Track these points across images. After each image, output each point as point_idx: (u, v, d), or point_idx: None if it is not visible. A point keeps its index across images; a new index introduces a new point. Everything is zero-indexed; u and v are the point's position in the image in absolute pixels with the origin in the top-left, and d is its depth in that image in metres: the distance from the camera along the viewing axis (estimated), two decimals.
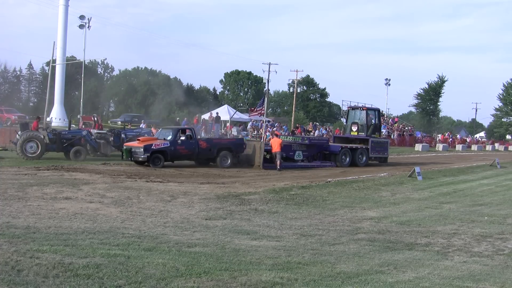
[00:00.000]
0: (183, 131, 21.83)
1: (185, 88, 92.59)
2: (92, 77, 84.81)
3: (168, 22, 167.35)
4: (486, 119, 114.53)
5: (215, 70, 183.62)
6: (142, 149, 20.14)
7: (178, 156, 21.42)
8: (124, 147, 21.07)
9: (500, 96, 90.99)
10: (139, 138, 22.05)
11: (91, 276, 5.94)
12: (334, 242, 9.20)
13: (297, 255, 7.92)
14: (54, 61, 42.35)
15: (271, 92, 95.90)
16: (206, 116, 42.95)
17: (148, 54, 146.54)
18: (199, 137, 24.44)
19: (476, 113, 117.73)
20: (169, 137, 21.13)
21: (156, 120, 47.78)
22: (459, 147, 52.67)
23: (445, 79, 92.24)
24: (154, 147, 20.37)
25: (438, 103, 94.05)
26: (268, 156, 22.42)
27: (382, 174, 21.01)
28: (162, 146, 20.61)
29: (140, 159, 20.33)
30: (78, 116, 45.47)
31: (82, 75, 51.86)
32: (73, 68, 68.75)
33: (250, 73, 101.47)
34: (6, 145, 25.37)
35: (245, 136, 35.68)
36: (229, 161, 21.89)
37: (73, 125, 35.78)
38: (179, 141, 21.12)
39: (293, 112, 64.89)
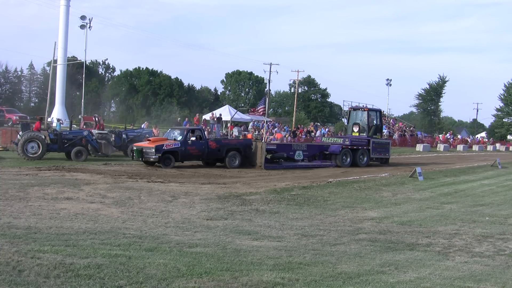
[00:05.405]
0: (193, 131, 21.87)
1: (186, 88, 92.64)
2: (93, 77, 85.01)
3: (170, 22, 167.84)
4: (487, 120, 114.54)
5: (216, 70, 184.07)
6: (153, 150, 20.13)
7: (188, 156, 21.47)
8: (135, 148, 21.06)
9: (501, 96, 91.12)
10: (150, 139, 22.07)
11: (92, 277, 5.94)
12: (335, 242, 9.19)
13: (298, 256, 7.92)
14: (55, 61, 42.34)
15: (272, 92, 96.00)
16: (207, 116, 42.97)
17: (149, 55, 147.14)
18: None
19: (477, 114, 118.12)
20: (180, 138, 21.14)
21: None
22: (460, 147, 52.62)
23: (446, 79, 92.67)
24: (165, 148, 20.37)
25: (439, 104, 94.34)
26: (269, 156, 22.42)
27: (383, 175, 20.99)
28: (173, 147, 20.62)
29: (151, 159, 20.33)
30: (80, 116, 45.47)
31: (83, 76, 51.94)
32: (74, 68, 68.84)
33: (251, 73, 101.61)
34: (7, 145, 25.43)
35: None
36: (237, 162, 21.97)
37: (74, 126, 35.86)
38: (189, 141, 21.15)
39: (294, 113, 64.85)
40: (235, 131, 37.50)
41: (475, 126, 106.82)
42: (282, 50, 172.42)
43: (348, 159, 24.45)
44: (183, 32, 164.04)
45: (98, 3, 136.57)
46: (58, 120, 41.21)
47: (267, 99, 39.64)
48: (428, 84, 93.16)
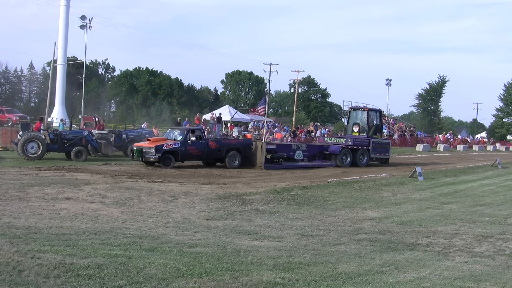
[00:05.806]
0: (193, 131, 21.87)
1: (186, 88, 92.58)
2: (93, 77, 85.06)
3: (170, 22, 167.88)
4: (487, 120, 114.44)
5: (216, 70, 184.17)
6: (153, 150, 20.12)
7: (188, 156, 21.47)
8: (135, 148, 21.06)
9: (501, 96, 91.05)
10: (150, 139, 22.06)
11: (92, 277, 5.94)
12: (335, 242, 9.19)
13: (298, 256, 7.92)
14: (55, 61, 42.35)
15: (272, 92, 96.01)
16: (207, 116, 42.98)
17: (149, 55, 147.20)
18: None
19: (477, 114, 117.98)
20: (180, 138, 21.12)
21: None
22: (460, 147, 52.58)
23: (446, 79, 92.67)
24: (165, 148, 20.36)
25: (439, 104, 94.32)
26: (269, 156, 22.41)
27: (383, 175, 20.98)
28: (173, 147, 20.61)
29: (151, 159, 20.32)
30: (80, 116, 45.50)
31: (83, 76, 51.96)
32: (74, 68, 68.87)
33: (251, 73, 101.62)
34: (7, 145, 25.42)
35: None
36: (237, 162, 21.96)
37: (74, 126, 35.87)
38: (189, 141, 21.14)
39: (294, 113, 64.86)
40: (235, 131, 37.50)
41: (475, 126, 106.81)
42: (282, 50, 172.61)
43: (348, 159, 24.44)
44: (183, 32, 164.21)
45: (98, 3, 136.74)
46: (61, 120, 41.26)
47: (267, 99, 39.62)
48: (428, 84, 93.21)
